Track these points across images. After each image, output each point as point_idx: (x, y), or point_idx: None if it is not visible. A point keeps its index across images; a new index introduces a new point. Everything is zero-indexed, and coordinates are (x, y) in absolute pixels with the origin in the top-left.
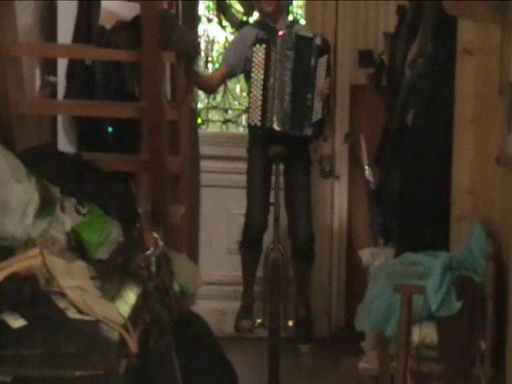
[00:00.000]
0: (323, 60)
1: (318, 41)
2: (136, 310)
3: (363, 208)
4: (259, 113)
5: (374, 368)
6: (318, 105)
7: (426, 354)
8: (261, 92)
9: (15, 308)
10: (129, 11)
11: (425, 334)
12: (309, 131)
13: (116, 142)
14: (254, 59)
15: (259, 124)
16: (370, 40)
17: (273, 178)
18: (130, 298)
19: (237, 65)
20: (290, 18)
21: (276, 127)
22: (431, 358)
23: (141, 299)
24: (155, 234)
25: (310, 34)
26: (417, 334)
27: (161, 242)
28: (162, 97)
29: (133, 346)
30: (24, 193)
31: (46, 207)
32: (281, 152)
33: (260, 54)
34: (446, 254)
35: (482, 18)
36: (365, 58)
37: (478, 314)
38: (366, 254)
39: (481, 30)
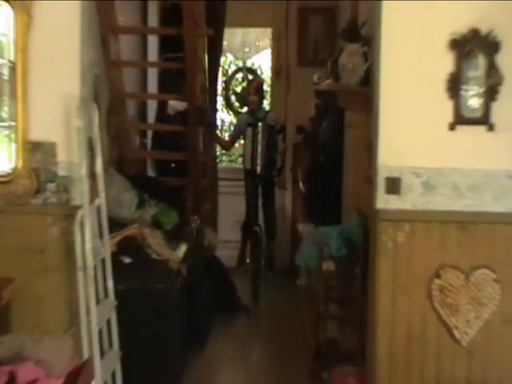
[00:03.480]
0: (281, 136)
1: (278, 126)
2: (186, 255)
3: (299, 204)
4: (250, 162)
5: (304, 284)
6: (278, 159)
7: (328, 275)
8: (250, 153)
9: (126, 253)
10: (182, 105)
11: (329, 265)
12: (274, 173)
13: (176, 171)
14: (246, 134)
15: (249, 168)
16: (303, 120)
17: (258, 193)
18: (182, 248)
19: (237, 137)
20: (266, 108)
21: (258, 171)
22: (331, 278)
23: (188, 249)
24: (195, 217)
25: (273, 123)
26: (325, 266)
27: (198, 221)
28: (199, 149)
29: (184, 271)
30: (129, 196)
31: (140, 204)
32: (261, 182)
33: (249, 132)
34: (340, 227)
35: (357, 108)
36: (300, 129)
37: (355, 256)
38: (301, 227)
39: (357, 114)
